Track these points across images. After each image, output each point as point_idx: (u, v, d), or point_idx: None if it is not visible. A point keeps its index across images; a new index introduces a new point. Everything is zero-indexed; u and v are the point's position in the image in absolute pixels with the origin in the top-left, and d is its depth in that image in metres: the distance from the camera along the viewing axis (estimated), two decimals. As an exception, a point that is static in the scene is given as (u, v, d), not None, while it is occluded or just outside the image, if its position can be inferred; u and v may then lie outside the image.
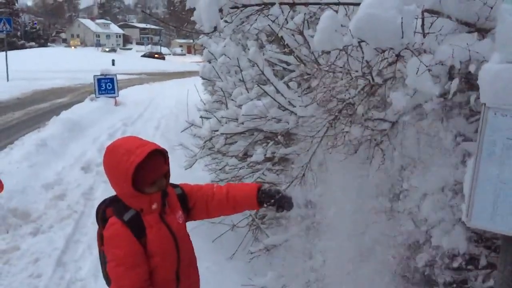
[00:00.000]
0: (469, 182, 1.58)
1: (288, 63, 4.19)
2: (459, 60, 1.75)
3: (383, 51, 1.67)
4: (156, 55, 67.65)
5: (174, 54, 78.16)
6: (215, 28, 1.88)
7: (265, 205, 2.36)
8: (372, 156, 2.22)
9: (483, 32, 1.93)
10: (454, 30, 1.84)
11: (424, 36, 1.85)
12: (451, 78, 1.83)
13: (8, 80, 23.06)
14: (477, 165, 1.55)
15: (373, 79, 1.88)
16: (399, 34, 1.54)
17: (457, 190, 2.18)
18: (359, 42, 1.68)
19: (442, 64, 1.69)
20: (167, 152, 2.16)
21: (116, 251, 2.06)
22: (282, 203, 2.33)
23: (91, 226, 5.34)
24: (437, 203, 2.08)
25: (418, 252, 2.44)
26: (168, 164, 2.16)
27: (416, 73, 1.58)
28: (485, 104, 1.57)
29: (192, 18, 2.15)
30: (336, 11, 1.84)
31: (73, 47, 77.72)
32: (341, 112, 2.29)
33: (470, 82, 2.03)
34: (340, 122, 2.33)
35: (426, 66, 1.56)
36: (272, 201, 2.31)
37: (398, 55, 1.64)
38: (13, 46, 52.53)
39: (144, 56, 67.71)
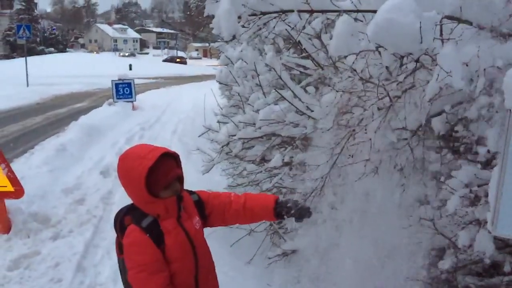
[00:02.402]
0: (495, 190, 1.55)
1: (305, 67, 4.18)
2: (484, 61, 1.72)
3: (402, 57, 1.64)
4: (178, 60, 67.42)
5: (191, 58, 78.44)
6: (234, 37, 1.89)
7: (283, 217, 2.36)
8: (395, 166, 2.19)
9: (506, 36, 1.89)
10: (475, 36, 1.81)
11: (442, 43, 1.83)
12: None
13: (27, 86, 23.50)
14: (503, 172, 1.52)
15: (390, 99, 1.86)
16: (418, 39, 1.52)
17: (480, 193, 2.14)
18: (376, 48, 1.65)
19: (467, 65, 1.65)
20: (178, 156, 2.18)
21: (137, 258, 2.07)
22: (301, 214, 2.34)
23: (110, 231, 5.38)
24: (463, 201, 2.03)
25: (441, 258, 2.40)
26: (180, 168, 2.18)
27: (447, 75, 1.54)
28: (510, 110, 1.54)
29: (211, 26, 2.15)
30: (355, 19, 1.82)
31: (94, 52, 78.44)
32: (360, 124, 2.26)
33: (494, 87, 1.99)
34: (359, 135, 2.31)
35: (447, 73, 1.53)
36: (292, 212, 2.31)
37: (417, 61, 1.61)
38: (32, 52, 53.52)
39: (165, 60, 67.36)
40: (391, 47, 1.58)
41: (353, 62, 1.87)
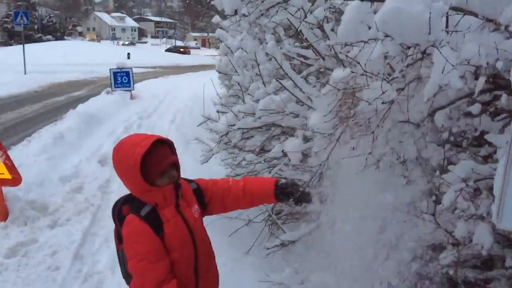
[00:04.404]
0: (500, 183, 1.53)
1: (306, 57, 4.14)
2: (485, 59, 1.69)
3: (408, 48, 1.62)
4: (181, 50, 65.64)
5: (188, 47, 77.70)
6: (236, 12, 1.86)
7: (283, 201, 2.35)
8: (397, 158, 2.17)
9: (509, 29, 1.86)
10: (480, 28, 1.78)
11: (447, 33, 1.80)
12: (477, 78, 1.77)
13: (25, 73, 23.37)
14: (509, 165, 1.50)
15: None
16: (426, 30, 1.49)
17: (480, 186, 2.12)
18: (384, 37, 1.62)
19: (468, 63, 1.63)
20: (172, 143, 2.17)
21: (136, 247, 2.06)
22: (301, 197, 2.33)
23: (108, 220, 5.36)
24: (462, 195, 2.02)
25: (441, 253, 2.39)
26: (176, 155, 2.17)
27: (442, 72, 1.52)
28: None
29: (212, 2, 2.12)
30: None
31: (95, 41, 77.53)
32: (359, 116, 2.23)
33: (496, 82, 1.97)
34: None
35: (453, 66, 1.50)
36: (291, 198, 2.31)
37: (424, 52, 1.58)
38: (30, 39, 53.18)
39: (168, 50, 65.72)
40: (399, 37, 1.55)
41: (358, 52, 1.83)
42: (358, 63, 1.96)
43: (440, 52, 1.49)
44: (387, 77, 1.93)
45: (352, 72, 2.01)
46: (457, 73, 1.51)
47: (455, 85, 1.51)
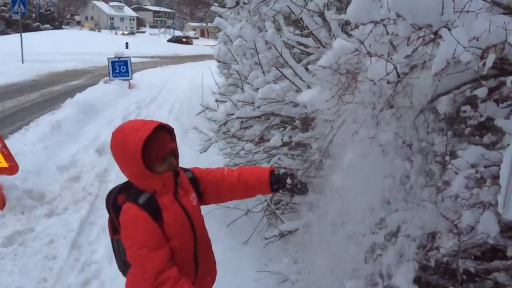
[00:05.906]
0: (507, 172, 1.49)
1: (306, 46, 4.09)
2: (496, 37, 1.64)
3: (420, 28, 1.56)
4: (184, 40, 64.31)
5: (190, 37, 76.99)
6: (237, 3, 1.80)
7: (278, 191, 2.31)
8: (403, 142, 2.13)
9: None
10: (489, 10, 1.73)
11: (454, 13, 1.75)
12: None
13: (23, 62, 23.25)
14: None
15: (398, 75, 1.77)
16: (438, 10, 1.44)
17: (485, 174, 2.08)
18: (397, 17, 1.57)
19: (477, 40, 1.58)
20: (173, 130, 2.15)
21: (136, 235, 2.03)
22: (297, 188, 2.29)
23: (106, 209, 5.34)
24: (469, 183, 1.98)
25: (441, 242, 2.36)
26: (175, 142, 2.15)
27: (453, 53, 1.47)
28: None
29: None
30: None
31: (96, 30, 76.77)
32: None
33: (503, 67, 1.93)
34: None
35: (464, 48, 1.46)
36: (288, 186, 2.27)
37: (436, 34, 1.53)
38: (28, 28, 52.87)
39: (170, 41, 64.47)
40: (411, 17, 1.49)
41: (371, 30, 1.76)
42: (362, 43, 1.91)
43: (451, 34, 1.44)
44: (391, 59, 1.88)
45: (357, 50, 1.95)
46: (466, 45, 1.46)
47: (464, 58, 1.46)
